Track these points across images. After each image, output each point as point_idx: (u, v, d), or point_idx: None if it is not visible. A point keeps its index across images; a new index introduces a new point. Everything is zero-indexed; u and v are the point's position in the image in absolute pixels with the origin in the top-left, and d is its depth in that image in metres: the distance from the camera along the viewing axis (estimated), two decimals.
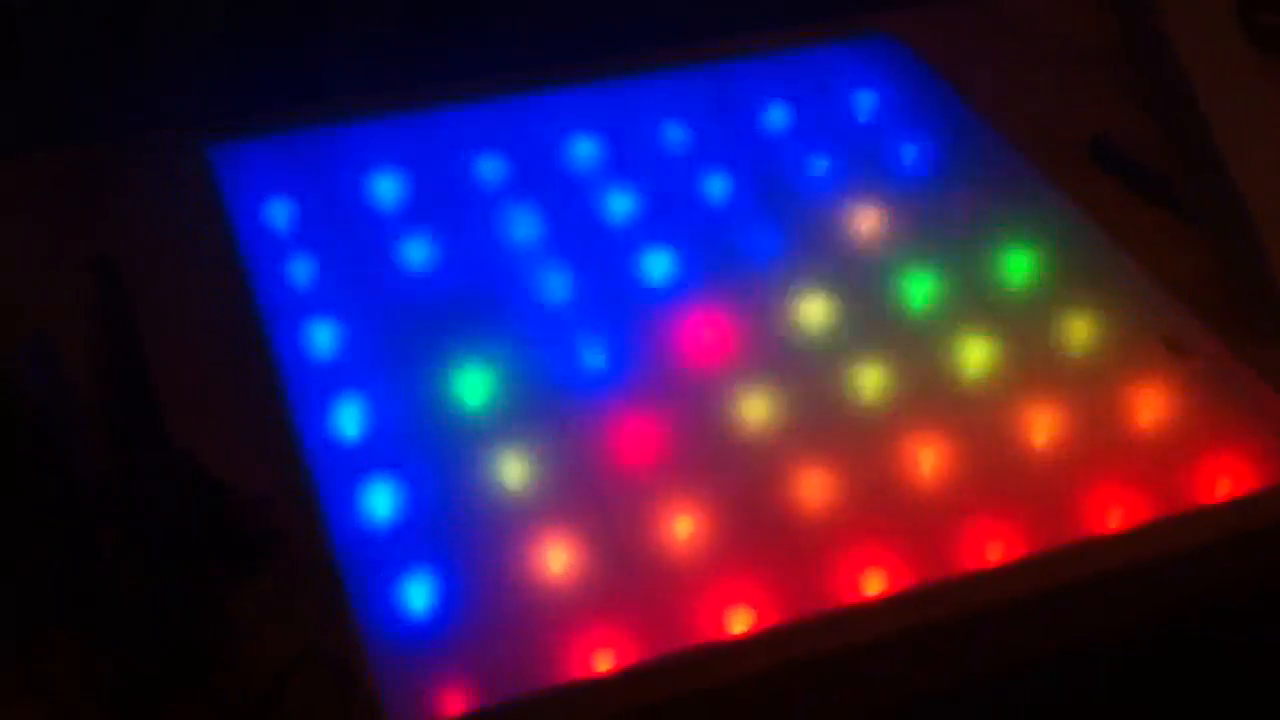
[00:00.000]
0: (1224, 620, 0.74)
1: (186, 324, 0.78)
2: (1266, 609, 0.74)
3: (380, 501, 0.70)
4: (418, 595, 0.65)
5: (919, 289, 0.85)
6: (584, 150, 0.94)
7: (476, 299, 0.83)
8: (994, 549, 0.70)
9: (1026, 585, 0.66)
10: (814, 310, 0.83)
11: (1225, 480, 0.73)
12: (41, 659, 0.59)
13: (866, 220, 0.90)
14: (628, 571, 0.68)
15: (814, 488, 0.72)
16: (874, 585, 0.68)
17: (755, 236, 0.88)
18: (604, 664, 0.63)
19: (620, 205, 0.90)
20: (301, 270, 0.84)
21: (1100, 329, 0.81)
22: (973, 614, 0.64)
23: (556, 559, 0.68)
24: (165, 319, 0.78)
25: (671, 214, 0.89)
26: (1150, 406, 0.77)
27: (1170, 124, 0.94)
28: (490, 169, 0.93)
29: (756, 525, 0.70)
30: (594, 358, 0.79)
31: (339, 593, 0.62)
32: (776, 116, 0.99)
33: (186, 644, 0.58)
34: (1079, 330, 0.82)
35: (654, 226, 0.88)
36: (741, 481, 0.72)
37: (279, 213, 0.88)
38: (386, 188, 0.91)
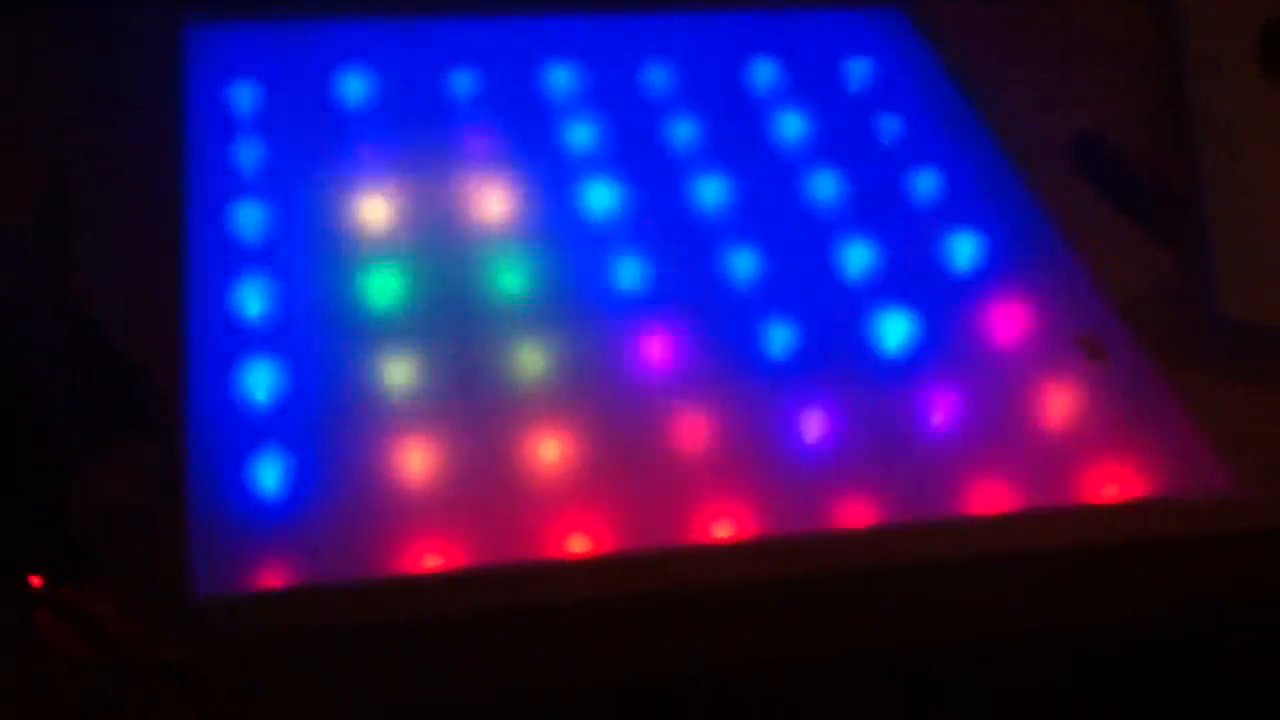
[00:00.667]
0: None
1: (118, 193, 0.79)
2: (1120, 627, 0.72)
3: (260, 383, 0.71)
4: (268, 476, 0.66)
5: (855, 257, 0.84)
6: (555, 78, 0.94)
7: (414, 206, 0.83)
8: (848, 516, 0.69)
9: (872, 556, 0.66)
10: (740, 265, 0.82)
11: (1111, 487, 0.72)
12: None
13: (819, 184, 0.88)
14: (485, 485, 0.68)
15: (693, 434, 0.72)
16: (724, 533, 0.67)
17: (705, 187, 0.87)
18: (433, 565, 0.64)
19: (578, 136, 0.90)
20: (248, 154, 0.85)
21: (1025, 322, 0.80)
22: (805, 576, 0.64)
23: (417, 463, 0.69)
24: (101, 186, 0.79)
25: (627, 153, 0.89)
26: (1055, 404, 0.76)
27: (1165, 132, 0.92)
28: (460, 84, 0.93)
29: (624, 461, 0.70)
30: (510, 280, 0.79)
31: (181, 460, 0.63)
32: (760, 71, 0.98)
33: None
34: (1005, 319, 0.80)
35: (604, 162, 0.88)
36: (622, 417, 0.72)
37: (241, 96, 0.89)
38: (354, 87, 0.91)
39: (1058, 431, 0.75)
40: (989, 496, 0.72)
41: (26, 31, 0.89)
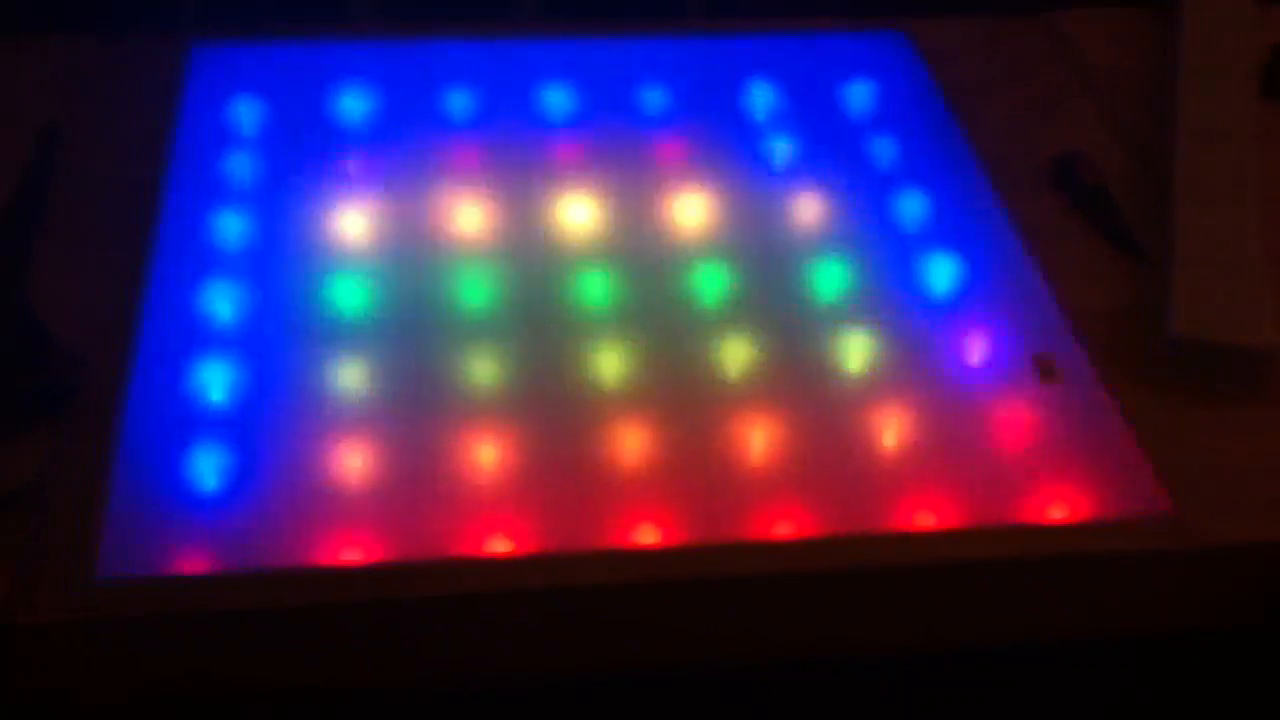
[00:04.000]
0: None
1: (103, 198, 0.83)
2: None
3: (216, 383, 0.73)
4: (205, 469, 0.68)
5: (827, 277, 0.84)
6: (551, 101, 0.95)
7: (393, 217, 0.85)
8: (783, 527, 0.69)
9: (802, 564, 0.65)
10: (709, 280, 0.82)
11: (1057, 507, 0.71)
12: None
13: (803, 206, 0.88)
14: (416, 487, 0.69)
15: (631, 443, 0.72)
16: (646, 538, 0.67)
17: (685, 206, 0.88)
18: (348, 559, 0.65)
19: (567, 155, 0.92)
20: (237, 166, 0.88)
21: (987, 343, 0.79)
22: (730, 579, 0.64)
23: (353, 464, 0.70)
24: (88, 189, 0.83)
25: (613, 171, 0.90)
26: (1006, 424, 0.75)
27: (1150, 151, 0.91)
28: (455, 103, 0.95)
29: (558, 468, 0.71)
30: (473, 293, 0.81)
31: (111, 446, 0.65)
32: (757, 94, 0.98)
33: None
34: (967, 339, 0.80)
35: (586, 181, 0.89)
36: (563, 424, 0.73)
37: (238, 112, 0.92)
38: (350, 105, 0.94)
39: (1006, 451, 0.74)
40: (931, 513, 0.71)
41: (43, 47, 0.94)
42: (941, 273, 0.84)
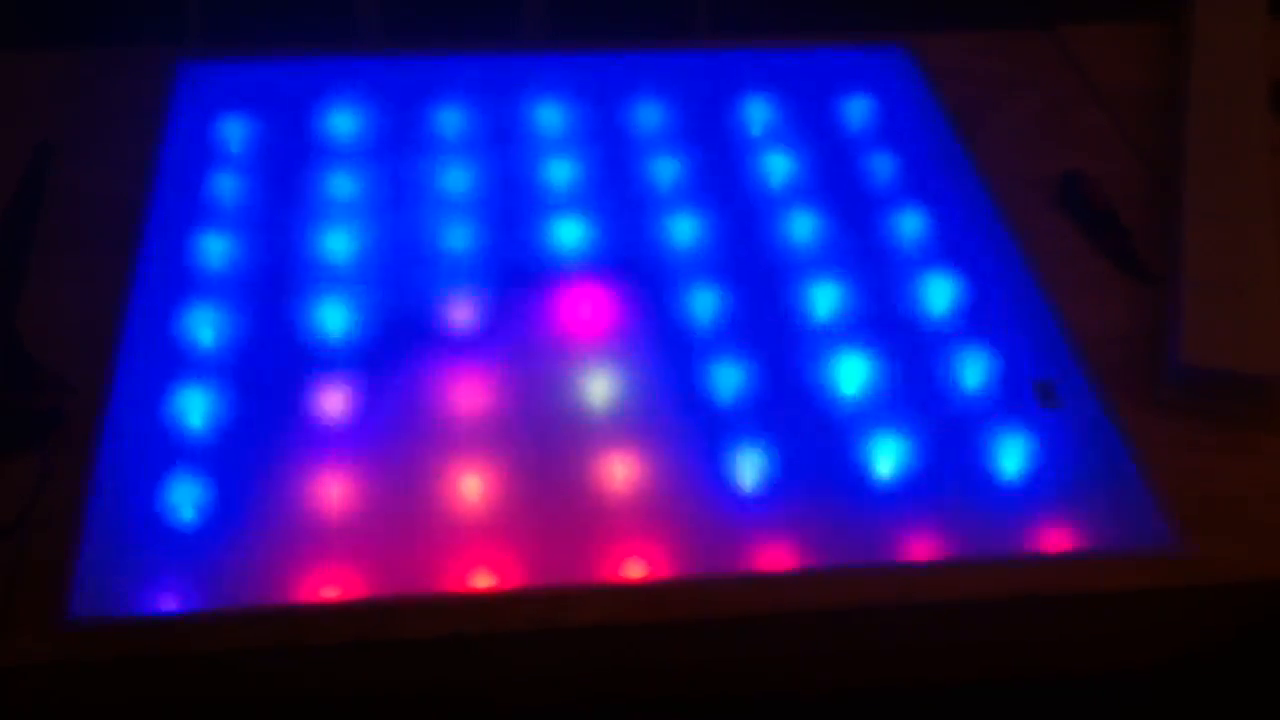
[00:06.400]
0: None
1: (88, 216, 0.81)
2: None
3: (195, 408, 0.71)
4: (182, 499, 0.66)
5: (823, 297, 0.82)
6: (542, 115, 0.94)
7: (379, 238, 0.83)
8: (776, 559, 0.67)
9: (797, 601, 0.63)
10: (703, 300, 0.81)
11: (1055, 535, 0.68)
12: None
13: (798, 224, 0.86)
14: (399, 521, 0.67)
15: (617, 471, 0.70)
16: (635, 573, 0.65)
17: (678, 224, 0.86)
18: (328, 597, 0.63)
19: (558, 173, 0.90)
20: (223, 186, 0.87)
21: (987, 365, 0.77)
22: (727, 618, 0.62)
23: (334, 493, 0.68)
24: (74, 207, 0.81)
25: (605, 190, 0.88)
26: (1007, 452, 0.72)
27: (1159, 169, 0.89)
28: (445, 120, 0.93)
29: (543, 498, 0.69)
30: (461, 313, 0.79)
31: (88, 475, 0.63)
32: (755, 109, 0.96)
33: None
34: (966, 363, 0.78)
35: (579, 199, 0.87)
36: (548, 453, 0.71)
37: (224, 129, 0.91)
38: (338, 123, 0.92)
39: (1006, 480, 0.71)
40: (930, 544, 0.69)
41: (32, 62, 0.92)
42: (941, 294, 0.82)
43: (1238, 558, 0.65)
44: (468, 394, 0.74)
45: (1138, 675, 0.68)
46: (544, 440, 0.72)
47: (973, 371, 0.77)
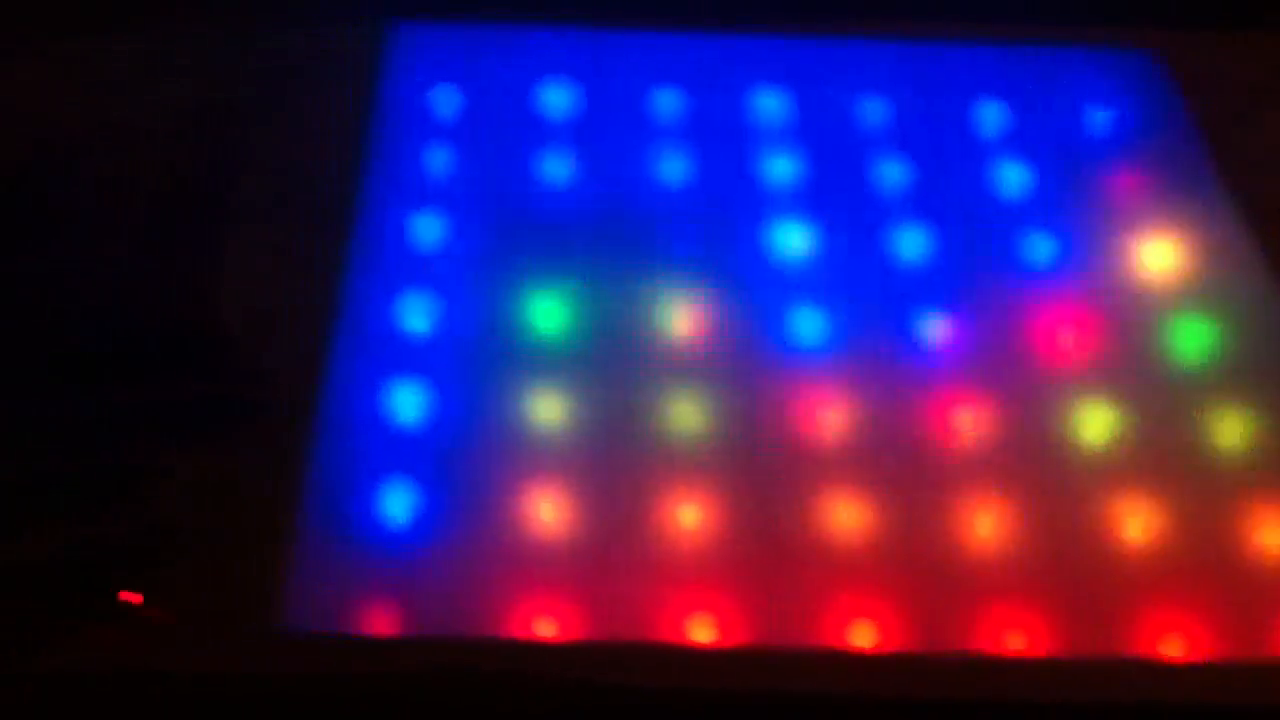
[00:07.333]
0: None
1: (296, 187, 0.78)
2: None
3: (407, 404, 0.68)
4: (395, 506, 0.64)
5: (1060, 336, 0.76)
6: (761, 104, 0.89)
7: (597, 229, 0.80)
8: (1016, 639, 0.62)
9: (1035, 689, 0.58)
10: (932, 325, 0.76)
11: None
12: None
13: (1032, 244, 0.81)
14: (616, 545, 0.64)
15: (846, 515, 0.66)
16: (861, 638, 0.61)
17: (905, 238, 0.81)
18: (542, 630, 0.60)
19: (777, 170, 0.85)
20: (437, 161, 0.83)
21: (1244, 425, 0.71)
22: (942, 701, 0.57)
23: (549, 512, 0.65)
24: (281, 176, 0.78)
25: (826, 193, 0.83)
26: (1265, 526, 0.67)
27: None
28: (662, 103, 0.89)
29: (768, 539, 0.65)
30: (679, 322, 0.75)
31: (301, 474, 0.60)
32: (986, 114, 0.90)
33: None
34: (1225, 423, 0.72)
35: (800, 201, 0.82)
36: (771, 487, 0.67)
37: (438, 101, 0.87)
38: (553, 99, 0.88)
39: (1269, 563, 0.66)
40: (1180, 635, 0.63)
41: (228, 29, 0.88)
42: (1193, 338, 0.76)
43: None
44: (683, 413, 0.70)
45: None
46: (770, 470, 0.67)
47: (1229, 430, 0.71)
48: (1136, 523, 0.67)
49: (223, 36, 0.84)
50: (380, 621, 0.60)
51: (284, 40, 0.86)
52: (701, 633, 0.61)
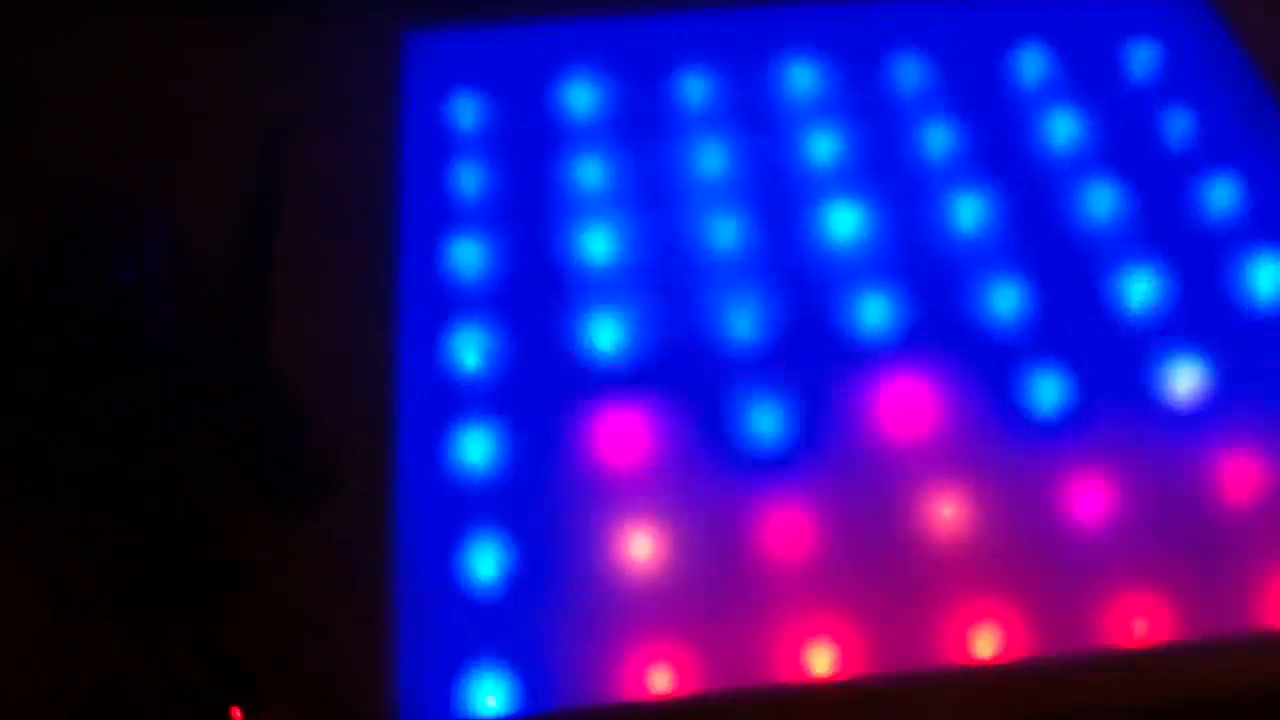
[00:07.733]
0: None
1: (329, 223, 0.74)
2: None
3: (474, 449, 0.66)
4: (483, 566, 0.61)
5: (1136, 290, 0.73)
6: (797, 78, 0.85)
7: (639, 236, 0.76)
8: (1139, 626, 0.60)
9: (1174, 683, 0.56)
10: (1002, 302, 0.73)
11: None
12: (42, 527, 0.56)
13: (1097, 203, 0.78)
14: (719, 582, 0.62)
15: (945, 514, 0.64)
16: (985, 646, 0.59)
17: (961, 206, 0.78)
18: (660, 684, 0.58)
19: (822, 148, 0.81)
20: (467, 177, 0.80)
21: None
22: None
23: (641, 550, 0.62)
24: (312, 211, 0.74)
25: (871, 167, 0.80)
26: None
27: None
28: (691, 87, 0.85)
29: (874, 553, 0.62)
30: (743, 328, 0.72)
31: (386, 545, 0.58)
32: (1027, 64, 0.87)
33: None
34: None
35: (847, 178, 0.79)
36: (867, 506, 0.64)
37: (460, 110, 0.83)
38: (578, 95, 0.84)
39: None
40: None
41: (235, 38, 0.84)
42: (1266, 279, 0.73)
43: None
44: (766, 417, 0.68)
45: None
46: (863, 474, 0.65)
47: None
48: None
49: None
50: (489, 696, 0.57)
51: (297, 70, 0.81)
52: (821, 661, 0.58)
